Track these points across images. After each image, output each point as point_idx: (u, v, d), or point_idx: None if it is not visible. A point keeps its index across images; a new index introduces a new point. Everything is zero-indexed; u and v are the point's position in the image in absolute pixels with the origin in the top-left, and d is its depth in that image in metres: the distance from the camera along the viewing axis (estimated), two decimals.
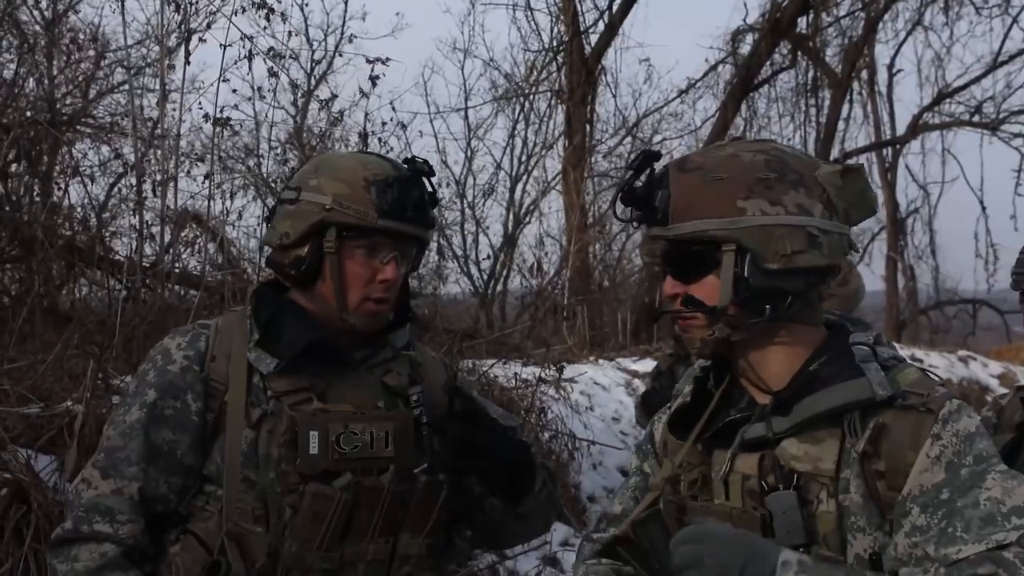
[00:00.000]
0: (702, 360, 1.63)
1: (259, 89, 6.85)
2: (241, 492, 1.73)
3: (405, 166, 1.83)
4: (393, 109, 14.67)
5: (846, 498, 1.42)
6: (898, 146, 17.47)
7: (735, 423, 1.52)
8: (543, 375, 6.05)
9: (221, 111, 6.16)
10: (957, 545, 1.32)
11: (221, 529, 1.71)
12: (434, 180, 1.85)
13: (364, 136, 7.58)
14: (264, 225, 1.82)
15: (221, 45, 5.42)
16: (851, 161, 1.54)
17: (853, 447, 1.41)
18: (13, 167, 6.16)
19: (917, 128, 16.87)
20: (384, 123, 9.02)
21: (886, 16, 15.30)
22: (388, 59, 6.82)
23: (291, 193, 1.82)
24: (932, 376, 1.49)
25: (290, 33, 7.30)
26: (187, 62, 5.46)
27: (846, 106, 15.60)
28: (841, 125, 15.71)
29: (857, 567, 1.40)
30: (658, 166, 1.53)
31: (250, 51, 6.12)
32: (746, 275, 1.45)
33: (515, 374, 6.23)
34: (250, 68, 6.23)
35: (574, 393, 7.34)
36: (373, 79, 6.88)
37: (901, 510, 1.38)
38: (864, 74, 16.31)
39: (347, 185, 1.77)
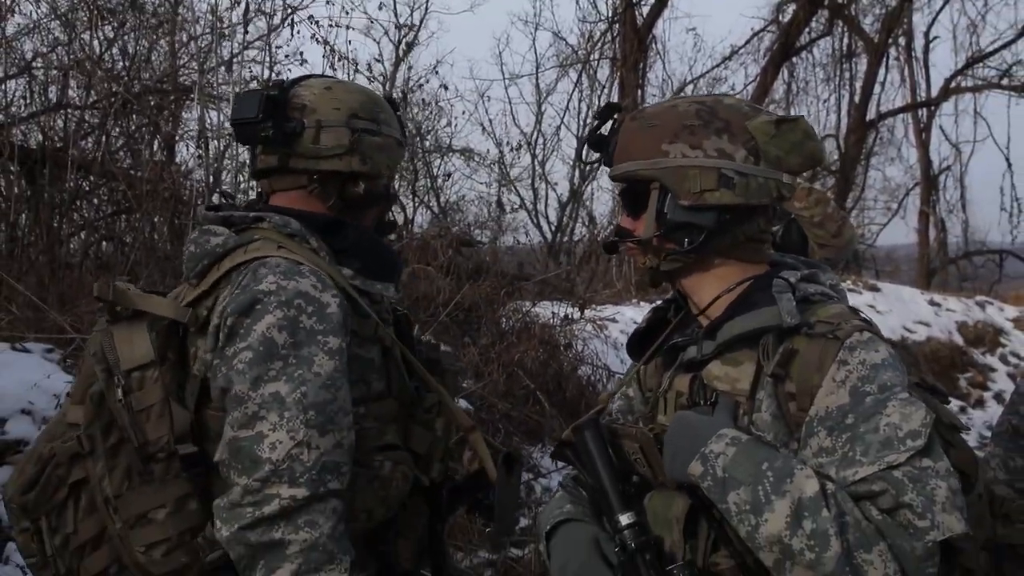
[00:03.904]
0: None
1: (304, 57, 7.21)
2: (380, 409, 1.73)
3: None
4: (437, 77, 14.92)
5: (757, 417, 1.43)
6: (932, 108, 17.04)
7: (678, 346, 1.57)
8: (568, 313, 6.55)
9: (278, 74, 6.79)
10: (855, 467, 1.33)
11: (390, 438, 1.74)
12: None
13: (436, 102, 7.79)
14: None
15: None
16: (794, 115, 1.55)
17: (767, 369, 1.43)
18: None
19: (949, 91, 16.46)
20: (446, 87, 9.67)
21: None
22: None
23: (370, 124, 1.76)
24: (858, 313, 1.48)
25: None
26: (245, 31, 5.96)
27: (883, 71, 15.42)
28: (877, 88, 15.54)
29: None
30: None
31: (292, 20, 6.62)
32: (665, 210, 1.49)
33: (553, 313, 6.72)
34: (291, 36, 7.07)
35: (614, 332, 7.79)
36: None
37: (809, 430, 1.38)
38: (902, 41, 16.00)
39: (393, 118, 1.83)
